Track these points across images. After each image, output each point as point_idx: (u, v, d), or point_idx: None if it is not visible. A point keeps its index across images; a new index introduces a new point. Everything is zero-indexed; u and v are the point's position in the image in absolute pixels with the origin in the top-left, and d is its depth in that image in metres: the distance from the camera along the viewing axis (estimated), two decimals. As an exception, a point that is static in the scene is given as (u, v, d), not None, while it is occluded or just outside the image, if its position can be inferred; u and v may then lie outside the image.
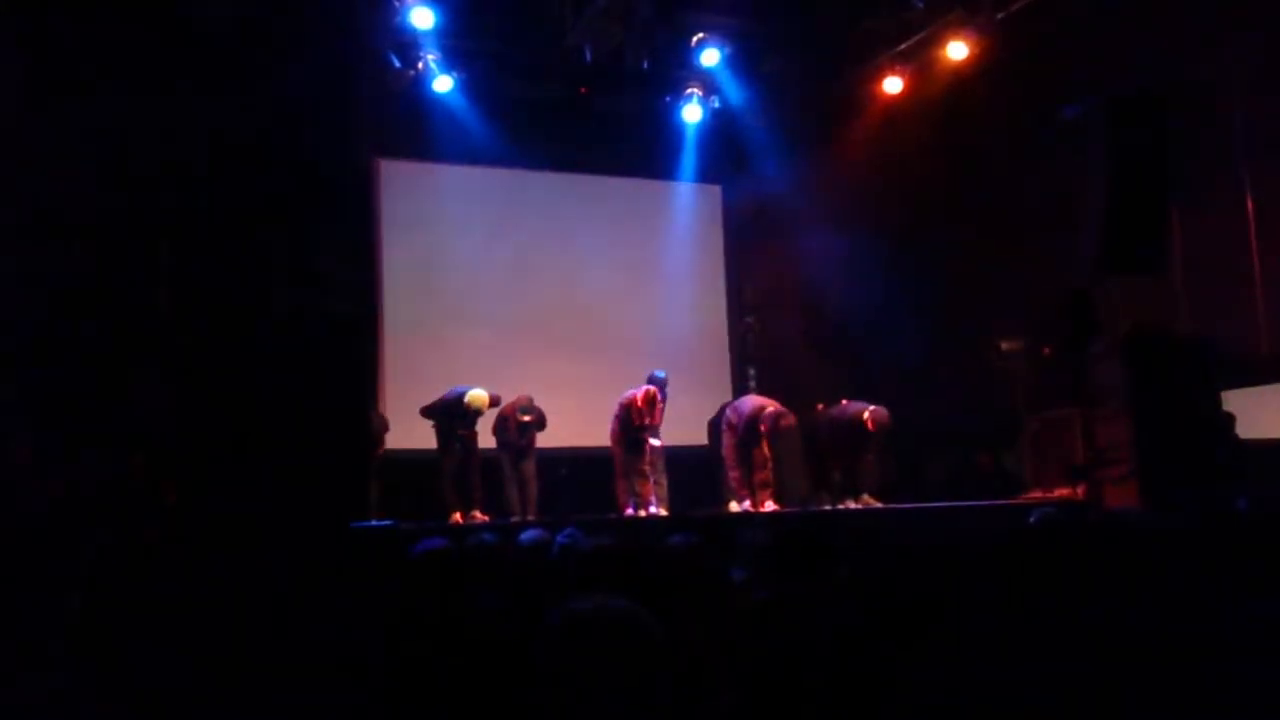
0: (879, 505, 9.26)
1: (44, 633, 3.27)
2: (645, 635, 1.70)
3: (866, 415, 9.12)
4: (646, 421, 8.89)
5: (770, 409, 9.05)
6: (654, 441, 8.99)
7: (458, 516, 8.45)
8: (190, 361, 5.18)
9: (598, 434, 9.42)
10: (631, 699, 1.66)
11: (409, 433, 9.44)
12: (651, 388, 9.01)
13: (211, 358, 5.38)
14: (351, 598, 3.63)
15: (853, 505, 9.20)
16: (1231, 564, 3.78)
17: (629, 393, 9.06)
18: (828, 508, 9.33)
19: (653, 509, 8.80)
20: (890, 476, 9.98)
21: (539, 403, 9.11)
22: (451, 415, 8.67)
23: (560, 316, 11.29)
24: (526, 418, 8.93)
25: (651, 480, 8.92)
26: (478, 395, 8.58)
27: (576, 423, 10.42)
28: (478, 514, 8.56)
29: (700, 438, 10.46)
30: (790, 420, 9.03)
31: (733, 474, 9.19)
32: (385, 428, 9.41)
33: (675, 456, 9.47)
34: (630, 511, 8.81)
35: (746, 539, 4.01)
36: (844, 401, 9.57)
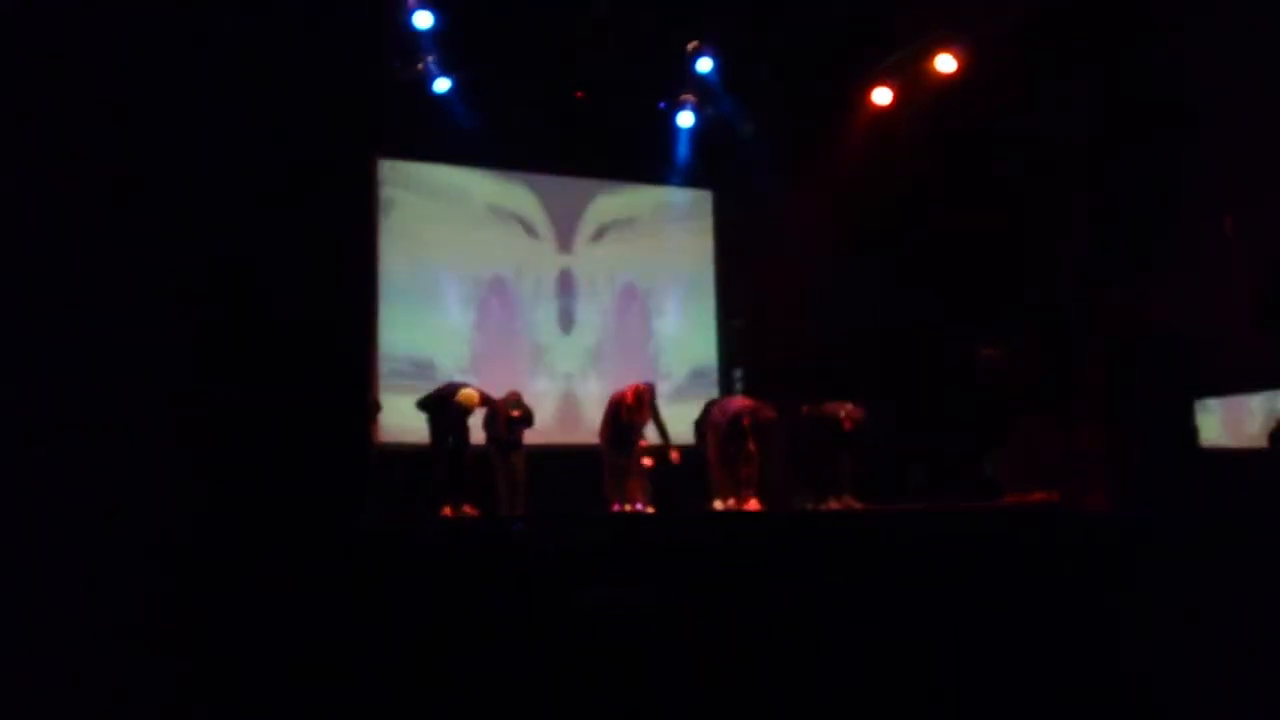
0: (858, 506, 9.43)
1: (59, 634, 3.39)
2: (654, 625, 1.81)
3: (843, 414, 9.33)
4: (636, 420, 9.06)
5: (751, 407, 9.23)
6: (642, 441, 9.15)
7: (448, 510, 8.60)
8: (182, 362, 5.29)
9: (587, 431, 9.58)
10: (642, 688, 1.77)
11: (401, 427, 9.61)
12: (642, 385, 9.19)
13: (204, 356, 5.48)
14: (356, 591, 3.77)
15: (834, 505, 9.38)
16: (1203, 564, 3.95)
17: (619, 391, 9.24)
18: (809, 507, 9.50)
19: (639, 506, 8.96)
20: (869, 477, 10.10)
21: (528, 400, 9.30)
22: (444, 410, 8.84)
23: (552, 316, 11.45)
24: (516, 413, 9.11)
25: (638, 478, 9.09)
26: (468, 394, 8.78)
27: (567, 420, 10.59)
28: (468, 508, 8.72)
29: (687, 437, 10.62)
30: (769, 414, 9.19)
31: (716, 473, 9.34)
32: (377, 408, 9.58)
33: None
34: (617, 508, 8.96)
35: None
36: (824, 403, 9.74)
